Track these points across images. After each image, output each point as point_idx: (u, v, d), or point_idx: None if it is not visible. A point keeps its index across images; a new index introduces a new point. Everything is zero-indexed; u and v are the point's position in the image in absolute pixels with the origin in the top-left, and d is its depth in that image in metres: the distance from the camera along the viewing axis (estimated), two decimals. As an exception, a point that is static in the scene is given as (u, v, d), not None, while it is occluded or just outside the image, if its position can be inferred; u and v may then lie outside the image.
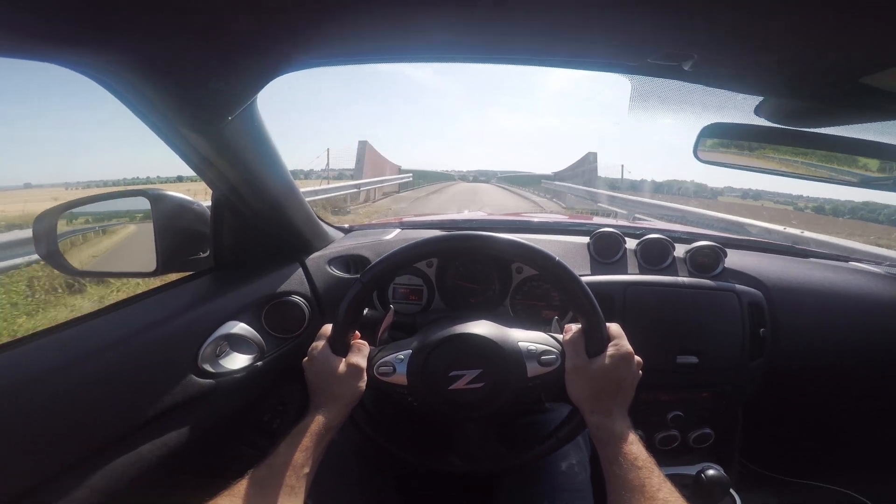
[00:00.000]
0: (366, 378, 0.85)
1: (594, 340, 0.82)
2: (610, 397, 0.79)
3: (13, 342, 0.80)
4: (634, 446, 0.73)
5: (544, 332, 0.89)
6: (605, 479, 0.73)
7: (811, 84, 0.72)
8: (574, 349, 0.82)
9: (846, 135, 0.86)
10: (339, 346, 0.86)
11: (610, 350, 0.81)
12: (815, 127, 0.87)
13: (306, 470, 0.73)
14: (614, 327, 0.84)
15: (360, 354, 0.86)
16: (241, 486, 0.68)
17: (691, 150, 0.95)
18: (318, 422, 0.78)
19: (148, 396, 0.85)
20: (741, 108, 0.88)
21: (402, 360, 0.85)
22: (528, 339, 0.85)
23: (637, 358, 0.83)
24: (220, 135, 0.82)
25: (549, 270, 0.84)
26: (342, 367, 0.84)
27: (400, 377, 0.84)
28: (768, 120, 0.87)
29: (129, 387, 0.83)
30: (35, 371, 0.76)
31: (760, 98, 0.84)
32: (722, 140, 0.93)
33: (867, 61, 0.61)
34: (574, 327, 0.85)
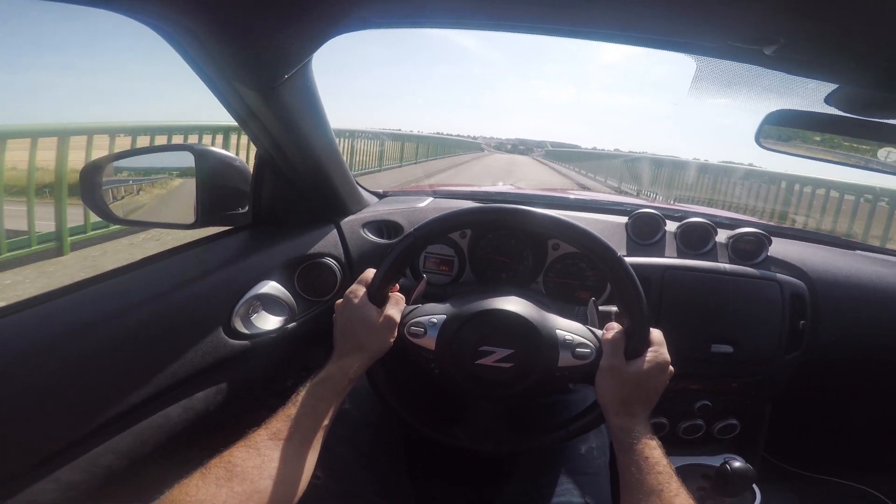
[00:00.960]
0: (395, 333, 0.82)
1: (635, 342, 0.79)
2: (638, 402, 0.77)
3: (54, 292, 0.80)
4: (655, 451, 0.71)
5: (581, 320, 0.86)
6: (621, 481, 0.72)
7: (890, 71, 0.68)
8: (613, 348, 0.79)
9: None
10: (378, 294, 0.82)
11: (649, 356, 0.78)
12: (889, 118, 0.83)
13: (325, 422, 0.71)
14: (657, 334, 0.82)
15: (396, 307, 0.83)
16: (259, 437, 0.65)
17: (753, 135, 0.90)
18: (341, 370, 0.75)
19: (181, 355, 0.85)
20: (810, 95, 0.83)
21: (434, 323, 0.82)
22: (566, 327, 0.83)
23: (671, 368, 0.81)
24: (275, 93, 0.80)
25: (609, 265, 0.81)
26: (377, 316, 0.80)
27: (429, 340, 0.82)
28: (838, 109, 0.83)
29: (162, 345, 0.83)
30: (73, 323, 0.75)
31: (834, 86, 0.79)
32: (786, 127, 0.89)
33: None
34: (616, 326, 0.82)
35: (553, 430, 0.86)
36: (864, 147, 0.89)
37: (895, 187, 5.50)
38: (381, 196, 1.46)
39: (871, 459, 1.55)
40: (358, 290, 0.83)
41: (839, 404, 1.50)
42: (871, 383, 1.39)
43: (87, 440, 0.74)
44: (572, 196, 1.68)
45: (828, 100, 0.82)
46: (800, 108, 0.87)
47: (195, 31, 0.63)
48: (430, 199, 1.46)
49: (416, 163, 15.71)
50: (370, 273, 0.85)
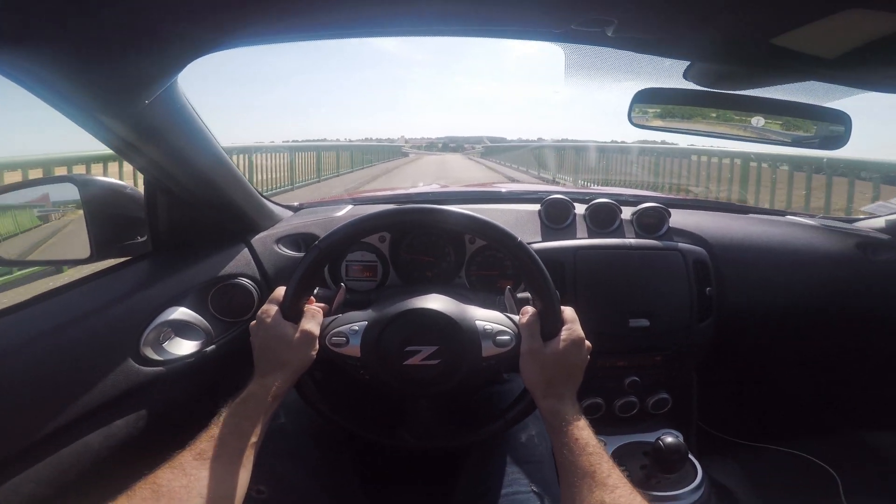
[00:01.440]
0: (317, 346, 0.80)
1: (549, 323, 0.81)
2: (562, 382, 0.78)
3: None
4: (585, 431, 0.72)
5: (500, 310, 0.88)
6: (557, 464, 0.74)
7: (728, 47, 0.73)
8: (529, 332, 0.80)
9: (769, 96, 0.88)
10: (292, 310, 0.81)
11: (563, 334, 0.80)
12: (739, 89, 0.89)
13: (253, 440, 0.69)
14: (568, 311, 0.84)
15: (313, 321, 0.81)
16: (184, 458, 0.64)
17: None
18: (263, 389, 0.73)
19: (88, 386, 0.82)
20: (671, 74, 0.89)
21: (356, 331, 0.81)
22: (484, 317, 0.83)
23: (587, 343, 0.83)
24: (140, 118, 0.78)
25: (511, 251, 0.82)
26: (293, 332, 0.78)
27: (353, 349, 0.80)
28: (697, 84, 0.88)
29: (68, 376, 0.81)
30: None
31: (688, 62, 0.85)
32: (656, 105, 0.94)
33: (776, 23, 0.63)
34: (530, 310, 0.83)
35: (491, 421, 0.87)
36: (731, 118, 0.95)
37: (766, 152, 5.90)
38: (295, 209, 1.44)
39: (804, 425, 1.62)
40: (270, 309, 0.81)
41: (759, 367, 1.57)
42: (780, 341, 1.47)
43: (4, 469, 0.72)
44: (488, 189, 1.71)
45: (685, 75, 0.88)
46: (664, 86, 0.92)
47: (34, 70, 0.61)
48: (350, 206, 1.44)
49: (336, 175, 14.87)
50: (281, 290, 0.83)
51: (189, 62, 0.70)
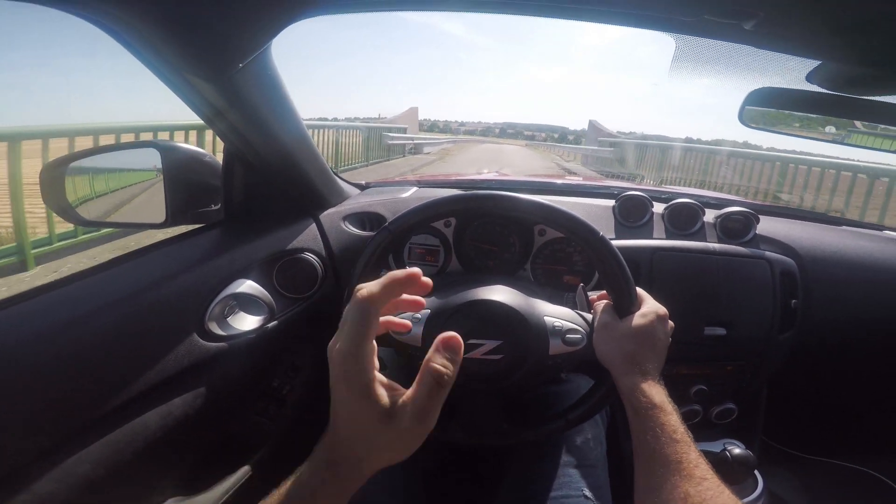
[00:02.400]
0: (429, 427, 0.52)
1: (624, 302, 0.78)
2: (646, 357, 0.72)
3: (19, 295, 0.77)
4: (672, 417, 0.66)
5: (570, 306, 0.84)
6: (635, 451, 0.67)
7: (870, 49, 0.65)
8: (603, 309, 0.79)
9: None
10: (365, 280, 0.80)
11: (643, 308, 0.77)
12: (873, 95, 0.80)
13: None
14: (641, 291, 0.81)
15: (435, 391, 0.50)
16: None
17: (736, 114, 0.88)
18: (336, 482, 0.47)
19: (153, 361, 0.81)
20: (791, 73, 0.81)
21: (419, 319, 0.79)
22: (554, 314, 0.80)
23: (670, 322, 0.79)
24: (231, 83, 0.77)
25: (591, 245, 0.79)
26: (396, 421, 0.47)
27: (415, 337, 0.79)
28: (821, 86, 0.80)
29: (133, 349, 0.80)
30: (40, 327, 0.72)
31: (816, 63, 0.76)
32: (769, 106, 0.86)
33: None
34: (603, 295, 0.82)
35: (550, 421, 0.84)
36: (847, 124, 0.87)
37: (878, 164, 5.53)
38: (362, 188, 1.43)
39: (873, 442, 1.53)
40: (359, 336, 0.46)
41: (837, 385, 1.47)
42: (867, 363, 1.38)
43: (60, 449, 0.70)
44: (558, 181, 1.65)
45: (809, 77, 0.79)
46: (781, 86, 0.84)
47: (134, 24, 0.60)
48: (414, 188, 1.43)
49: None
50: (348, 327, 0.47)
51: (286, 26, 0.68)
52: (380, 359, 0.85)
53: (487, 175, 1.70)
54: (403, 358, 0.84)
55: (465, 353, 0.75)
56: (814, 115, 0.84)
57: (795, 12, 0.60)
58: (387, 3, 0.70)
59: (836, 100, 0.81)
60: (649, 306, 0.77)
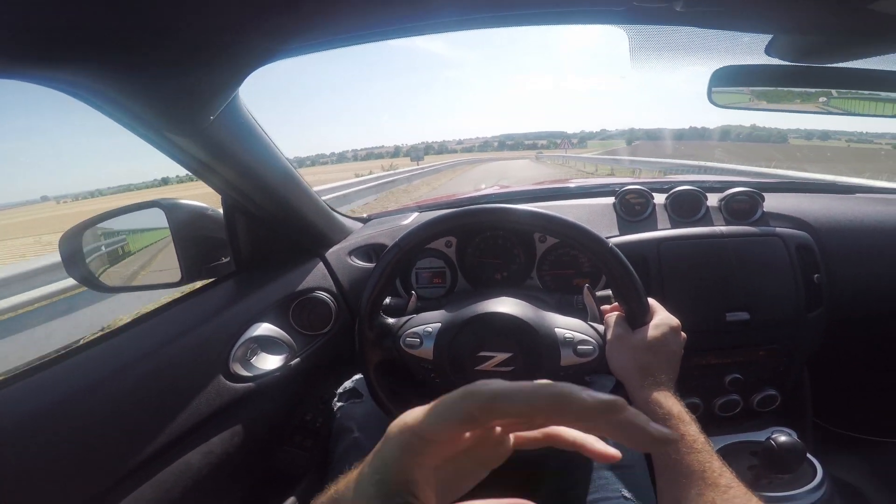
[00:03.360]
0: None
1: (637, 314, 0.77)
2: (659, 369, 0.72)
3: (47, 362, 0.82)
4: (691, 427, 0.65)
5: (581, 310, 0.86)
6: (655, 463, 0.66)
7: (818, 16, 0.66)
8: (615, 321, 0.78)
9: (866, 67, 0.79)
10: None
11: (655, 319, 0.76)
12: (831, 62, 0.80)
13: None
14: (652, 302, 0.80)
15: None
16: None
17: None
18: None
19: (185, 404, 0.85)
20: (751, 49, 0.82)
21: (430, 332, 0.81)
22: (565, 325, 0.81)
23: (683, 334, 0.78)
24: (207, 136, 0.81)
25: (595, 252, 0.79)
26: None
27: (426, 351, 0.80)
28: (781, 59, 0.81)
29: (165, 397, 0.84)
30: (72, 389, 0.77)
31: (769, 36, 0.78)
32: (736, 83, 0.87)
33: None
34: (615, 305, 0.82)
35: None
36: (820, 94, 0.86)
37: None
38: (364, 221, 1.47)
39: None
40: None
41: (883, 359, 1.41)
42: None
43: (112, 491, 0.74)
44: (557, 185, 1.66)
45: (768, 51, 0.81)
46: (744, 63, 0.85)
47: (103, 91, 0.64)
48: (415, 214, 1.46)
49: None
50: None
51: (249, 73, 0.72)
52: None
53: (486, 190, 1.72)
54: (418, 374, 0.85)
55: (477, 365, 0.77)
56: (781, 88, 0.84)
57: None
58: (334, 42, 0.73)
59: (800, 70, 0.82)
60: (661, 317, 0.77)
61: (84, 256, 0.98)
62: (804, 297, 1.18)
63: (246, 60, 0.68)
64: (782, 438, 0.97)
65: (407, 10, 0.67)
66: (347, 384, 1.14)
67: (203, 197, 1.15)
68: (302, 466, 1.08)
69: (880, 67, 0.80)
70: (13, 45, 0.49)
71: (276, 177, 1.02)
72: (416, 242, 0.84)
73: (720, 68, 0.84)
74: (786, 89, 0.86)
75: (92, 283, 1.00)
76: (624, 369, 0.74)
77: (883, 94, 0.83)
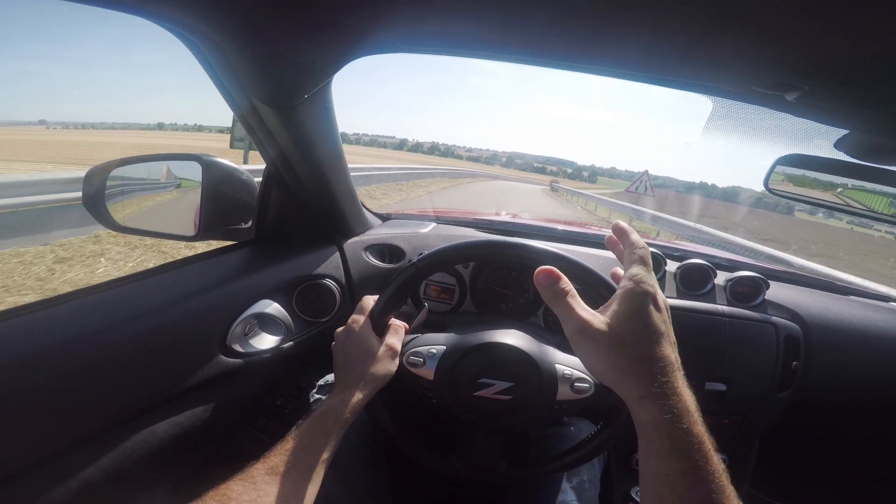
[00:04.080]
0: (398, 362, 0.81)
1: (597, 290, 0.79)
2: (637, 365, 0.53)
3: (54, 299, 0.79)
4: (696, 427, 0.51)
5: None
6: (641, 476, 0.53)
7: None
8: (565, 304, 0.57)
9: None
10: (379, 322, 0.83)
11: (624, 284, 0.57)
12: (892, 164, 0.83)
13: (326, 455, 0.68)
14: (633, 243, 0.61)
15: (397, 336, 0.82)
16: (256, 471, 0.63)
17: (762, 178, 0.91)
18: (343, 403, 0.72)
19: (173, 372, 0.84)
20: (821, 139, 0.84)
21: (433, 354, 0.82)
22: (565, 362, 0.83)
23: (661, 297, 0.58)
24: (293, 112, 0.81)
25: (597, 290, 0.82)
26: (379, 346, 0.79)
27: (427, 371, 0.82)
28: (848, 154, 0.83)
29: (157, 360, 0.82)
30: (69, 333, 0.74)
31: (845, 131, 0.80)
32: (795, 171, 0.89)
33: None
34: (548, 272, 0.60)
35: (546, 463, 0.86)
36: (876, 196, 0.88)
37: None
38: (384, 218, 1.46)
39: (855, 499, 1.54)
40: (359, 320, 0.82)
41: (830, 444, 1.51)
42: (860, 425, 1.41)
43: (69, 452, 0.71)
44: (575, 230, 1.67)
45: (837, 144, 0.83)
46: (808, 153, 0.87)
47: (219, 44, 0.63)
48: (433, 224, 1.46)
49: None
50: (369, 301, 0.85)
51: (349, 61, 0.72)
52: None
53: (504, 217, 1.73)
54: (415, 390, 0.86)
55: (476, 391, 0.77)
56: (838, 181, 0.86)
57: (837, 87, 0.62)
58: (443, 49, 0.73)
59: (861, 168, 0.84)
60: (634, 280, 0.57)
61: (105, 192, 0.95)
62: (779, 379, 1.26)
63: (354, 46, 0.68)
64: None
65: (517, 37, 0.67)
66: (329, 377, 1.12)
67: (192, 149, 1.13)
68: (258, 447, 1.05)
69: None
70: None
71: (330, 163, 1.02)
72: (433, 264, 0.86)
73: (787, 154, 0.86)
74: (844, 184, 0.88)
75: (103, 218, 0.96)
76: (596, 371, 0.56)
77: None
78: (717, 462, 0.50)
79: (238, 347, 0.93)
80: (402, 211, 1.61)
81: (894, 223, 0.91)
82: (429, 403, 0.84)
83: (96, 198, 0.94)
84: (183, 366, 0.85)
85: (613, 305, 0.56)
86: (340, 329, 0.83)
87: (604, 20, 0.56)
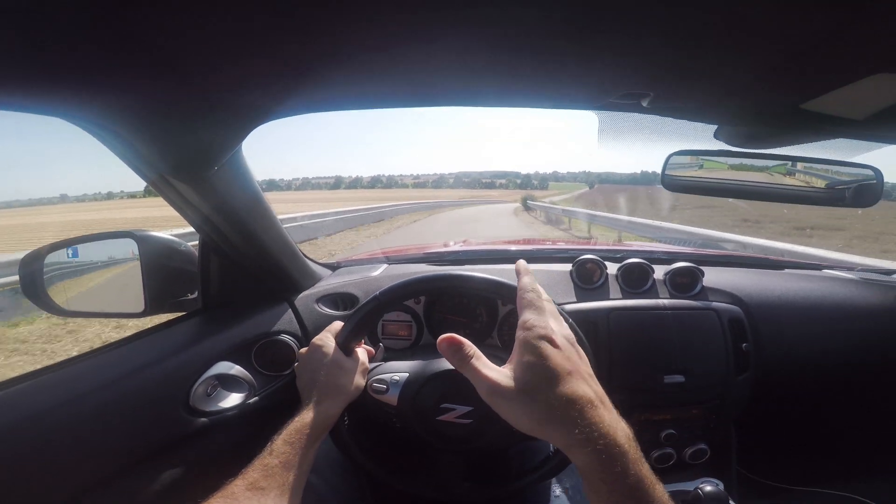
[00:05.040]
0: (365, 380, 0.86)
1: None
2: (546, 406, 0.51)
3: (5, 382, 0.81)
4: (639, 466, 0.51)
5: None
6: None
7: (759, 113, 0.77)
8: (470, 367, 0.58)
9: (800, 154, 0.91)
10: (346, 346, 0.86)
11: (519, 333, 0.58)
12: (769, 148, 0.92)
13: (304, 468, 0.70)
14: (524, 286, 0.63)
15: (364, 354, 0.88)
16: (236, 487, 0.63)
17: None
18: (318, 416, 0.75)
19: (141, 435, 0.85)
20: (702, 134, 0.92)
21: (397, 381, 0.86)
22: None
23: (559, 335, 0.57)
24: (208, 182, 0.84)
25: (493, 292, 0.87)
26: (348, 361, 0.84)
27: (391, 397, 0.85)
28: (727, 143, 0.92)
29: (122, 427, 0.84)
30: (28, 411, 0.76)
31: (717, 126, 0.88)
32: (687, 166, 0.97)
33: (805, 90, 0.66)
34: (449, 340, 0.61)
35: (508, 482, 0.89)
36: (761, 178, 0.97)
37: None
38: (333, 268, 1.49)
39: (843, 465, 1.59)
40: (326, 339, 0.86)
41: (800, 416, 1.55)
42: (820, 392, 1.46)
43: None
44: (521, 248, 1.73)
45: (716, 135, 0.91)
46: (695, 147, 0.96)
47: (118, 130, 0.67)
48: (384, 266, 1.49)
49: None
50: (336, 324, 0.90)
51: (254, 129, 0.77)
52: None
53: (454, 247, 1.78)
54: (379, 417, 0.89)
55: (438, 415, 0.80)
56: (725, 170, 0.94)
57: (679, 89, 0.71)
58: (340, 105, 0.79)
59: (743, 156, 0.92)
60: (528, 325, 0.58)
61: (44, 278, 0.96)
62: (733, 362, 1.30)
63: (254, 118, 0.73)
64: (707, 488, 1.03)
65: (405, 87, 0.74)
66: None
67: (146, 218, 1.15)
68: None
69: (810, 154, 0.92)
70: (39, 76, 0.52)
71: (260, 224, 1.05)
72: (396, 298, 0.90)
73: (673, 153, 0.94)
74: (729, 171, 0.96)
75: (48, 306, 0.97)
76: (526, 427, 0.54)
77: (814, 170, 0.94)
78: (660, 494, 0.50)
79: (202, 407, 0.94)
80: (351, 257, 1.65)
81: (787, 200, 0.99)
82: (394, 428, 0.87)
83: (35, 284, 0.95)
84: (150, 429, 0.87)
85: (515, 357, 0.56)
86: (304, 350, 0.88)
87: (482, 61, 0.62)
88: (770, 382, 1.35)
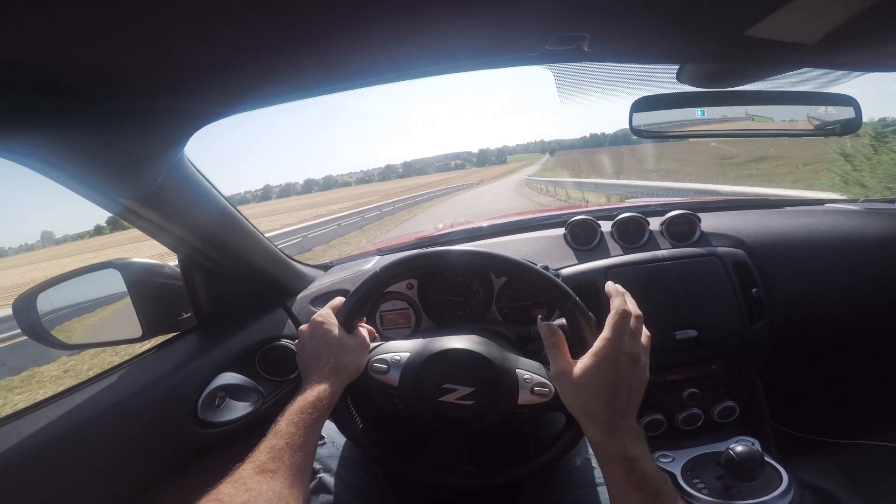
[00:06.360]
0: (367, 357, 0.85)
1: (578, 336, 0.79)
2: (604, 407, 0.67)
3: (14, 414, 0.83)
4: (647, 465, 0.63)
5: (537, 341, 0.89)
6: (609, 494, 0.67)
7: (705, 45, 0.73)
8: (553, 351, 0.74)
9: (767, 88, 0.87)
10: (348, 323, 0.86)
11: (596, 346, 0.70)
12: (734, 85, 0.88)
13: (311, 449, 0.70)
14: (609, 323, 0.72)
15: (365, 331, 0.88)
16: (244, 471, 0.63)
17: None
18: (321, 395, 0.74)
19: (155, 454, 0.87)
20: (665, 78, 0.89)
21: (398, 361, 0.84)
22: (525, 367, 0.84)
23: (639, 356, 0.72)
24: (157, 197, 0.83)
25: (521, 276, 0.84)
26: (350, 338, 0.83)
27: (392, 378, 0.84)
28: (691, 85, 0.88)
29: (135, 446, 0.86)
30: (40, 440, 0.77)
31: (677, 66, 0.85)
32: (655, 111, 0.94)
33: (745, 14, 0.62)
34: (547, 325, 0.77)
35: (515, 466, 0.87)
36: (733, 115, 0.93)
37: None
38: (326, 268, 1.49)
39: (882, 414, 1.50)
40: (328, 316, 0.85)
41: (832, 363, 1.48)
42: (847, 334, 1.40)
43: None
44: (513, 219, 1.71)
45: (679, 77, 0.88)
46: (660, 92, 0.92)
47: (52, 162, 0.67)
48: (377, 257, 1.48)
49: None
50: (339, 300, 0.90)
51: (191, 135, 0.76)
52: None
53: (444, 229, 1.76)
54: (380, 398, 0.88)
55: (440, 396, 0.80)
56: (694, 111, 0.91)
57: (616, 24, 0.67)
58: (272, 99, 0.77)
59: (707, 95, 0.89)
60: (604, 343, 0.70)
61: (37, 315, 0.98)
62: (746, 311, 1.25)
63: (186, 124, 0.72)
64: (739, 448, 1.00)
65: (338, 69, 0.72)
66: None
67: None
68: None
69: (775, 88, 0.88)
70: None
71: (229, 231, 1.04)
72: (398, 272, 0.89)
73: (637, 99, 0.91)
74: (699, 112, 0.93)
75: (47, 341, 1.00)
76: (571, 408, 0.71)
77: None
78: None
79: (211, 419, 0.96)
80: (344, 255, 1.64)
81: (762, 136, 0.96)
82: (395, 409, 0.86)
83: (36, 326, 0.98)
84: (162, 446, 0.88)
85: (587, 359, 0.70)
86: (304, 326, 0.86)
87: (393, 32, 0.60)
88: (788, 329, 1.30)
